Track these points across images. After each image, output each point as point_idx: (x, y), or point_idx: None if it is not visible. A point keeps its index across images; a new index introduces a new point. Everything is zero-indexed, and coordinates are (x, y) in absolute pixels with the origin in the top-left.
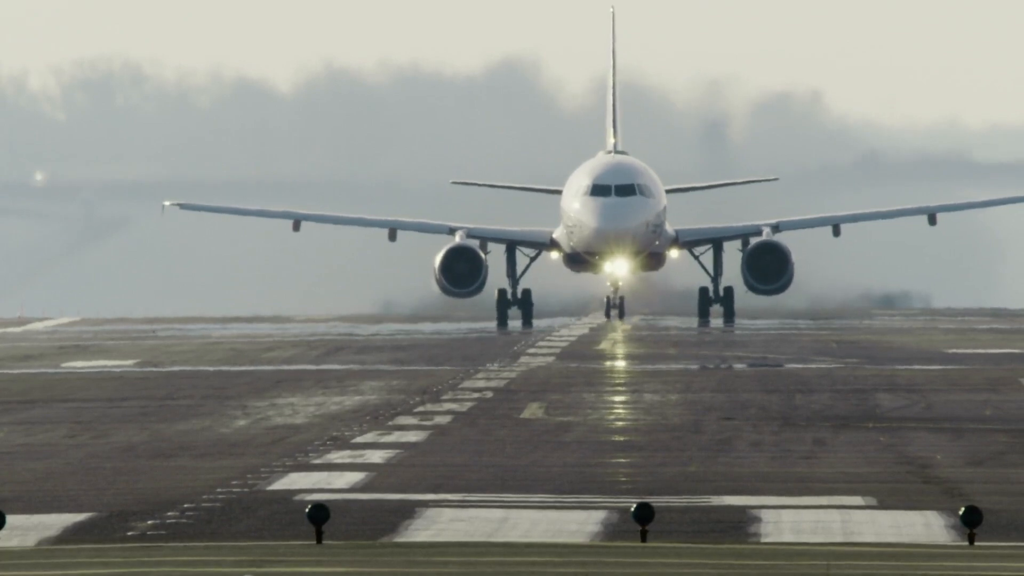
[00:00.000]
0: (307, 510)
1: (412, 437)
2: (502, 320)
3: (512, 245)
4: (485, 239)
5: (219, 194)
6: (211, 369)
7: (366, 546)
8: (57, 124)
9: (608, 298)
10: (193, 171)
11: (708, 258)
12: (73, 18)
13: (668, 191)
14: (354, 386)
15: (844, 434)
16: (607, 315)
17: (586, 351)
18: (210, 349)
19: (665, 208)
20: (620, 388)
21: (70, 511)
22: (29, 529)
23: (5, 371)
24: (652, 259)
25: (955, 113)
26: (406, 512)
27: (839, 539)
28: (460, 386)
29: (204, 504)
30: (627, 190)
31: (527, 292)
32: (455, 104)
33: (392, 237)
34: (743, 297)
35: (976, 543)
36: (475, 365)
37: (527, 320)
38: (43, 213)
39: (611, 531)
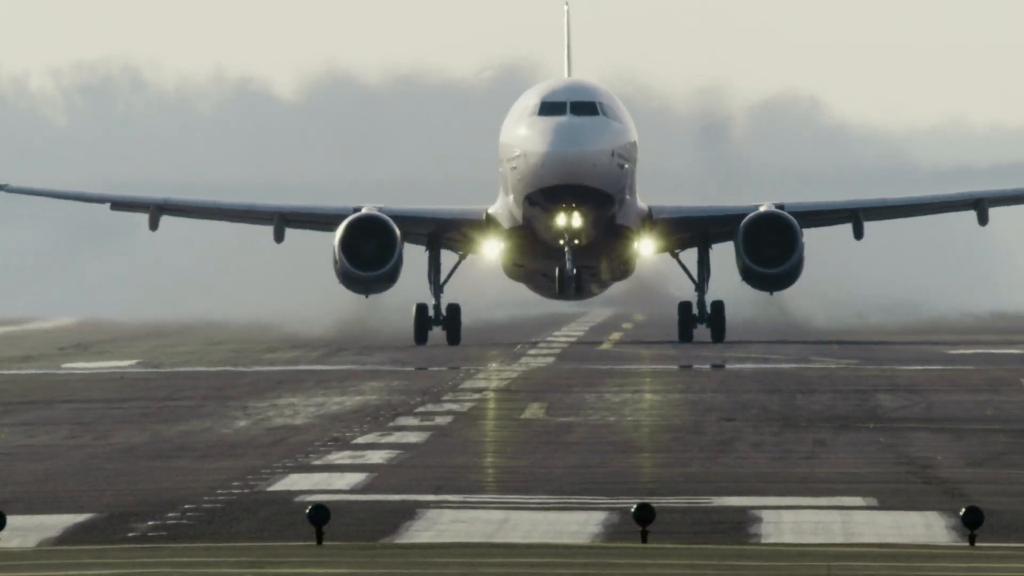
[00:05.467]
0: (307, 511)
1: (413, 438)
2: (421, 342)
3: (436, 237)
4: (399, 220)
5: (219, 196)
6: (212, 370)
7: (367, 547)
8: (57, 126)
9: (559, 271)
10: (193, 173)
11: (692, 261)
12: (73, 20)
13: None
14: (354, 387)
15: (845, 435)
16: (560, 290)
17: (586, 352)
18: (211, 350)
19: (635, 144)
20: (620, 388)
21: (71, 512)
22: (30, 530)
23: (5, 372)
24: (617, 244)
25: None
26: (407, 513)
27: (840, 540)
28: (460, 386)
29: (205, 505)
30: (586, 108)
31: (454, 309)
32: (455, 109)
33: (279, 237)
34: (737, 305)
35: (977, 544)
36: (476, 365)
37: (453, 344)
38: (43, 215)
39: (612, 532)
